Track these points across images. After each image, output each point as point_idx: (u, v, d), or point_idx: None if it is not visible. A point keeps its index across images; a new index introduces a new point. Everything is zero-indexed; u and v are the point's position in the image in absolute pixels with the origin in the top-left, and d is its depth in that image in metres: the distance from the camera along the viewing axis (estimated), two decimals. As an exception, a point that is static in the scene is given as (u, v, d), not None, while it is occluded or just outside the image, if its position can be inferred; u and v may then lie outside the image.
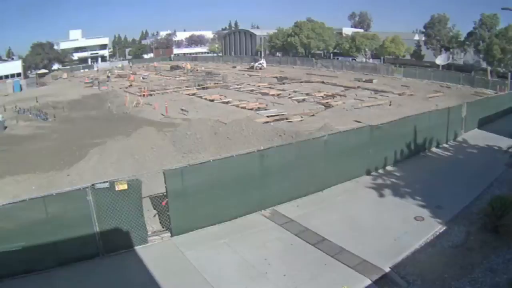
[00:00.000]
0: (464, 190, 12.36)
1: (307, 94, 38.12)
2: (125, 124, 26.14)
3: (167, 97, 37.18)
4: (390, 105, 30.97)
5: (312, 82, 48.99)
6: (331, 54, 75.71)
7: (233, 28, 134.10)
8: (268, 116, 26.87)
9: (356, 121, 25.14)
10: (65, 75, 70.07)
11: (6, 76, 63.89)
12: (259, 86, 44.86)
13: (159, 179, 9.87)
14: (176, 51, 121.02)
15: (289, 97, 35.77)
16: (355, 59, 67.27)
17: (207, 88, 44.79)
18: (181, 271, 8.57)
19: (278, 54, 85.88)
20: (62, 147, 21.13)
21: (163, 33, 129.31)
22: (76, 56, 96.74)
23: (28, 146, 21.86)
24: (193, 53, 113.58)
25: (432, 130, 16.71)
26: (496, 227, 9.61)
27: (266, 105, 32.11)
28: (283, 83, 47.44)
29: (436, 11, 58.61)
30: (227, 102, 34.13)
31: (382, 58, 67.11)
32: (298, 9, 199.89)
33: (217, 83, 48.47)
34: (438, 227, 10.14)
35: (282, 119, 26.21)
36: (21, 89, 53.24)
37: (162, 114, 29.48)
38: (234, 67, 77.21)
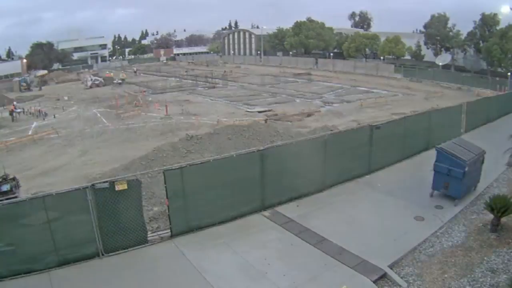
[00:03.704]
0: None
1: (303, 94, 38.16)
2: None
3: (167, 97, 37.19)
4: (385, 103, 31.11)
5: (312, 81, 49.04)
6: (331, 54, 75.70)
7: (233, 28, 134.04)
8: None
9: (354, 120, 25.19)
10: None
11: (6, 76, 63.90)
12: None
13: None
14: (176, 50, 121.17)
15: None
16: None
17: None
18: (181, 271, 8.56)
19: (278, 54, 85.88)
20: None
21: (163, 33, 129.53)
22: (76, 56, 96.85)
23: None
24: (193, 53, 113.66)
25: (432, 129, 16.69)
26: (496, 227, 9.61)
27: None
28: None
29: (436, 11, 58.52)
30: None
31: (382, 58, 67.06)
32: (298, 9, 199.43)
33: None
34: (438, 227, 10.14)
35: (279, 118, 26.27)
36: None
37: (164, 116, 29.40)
38: (238, 66, 77.17)
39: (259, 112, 27.89)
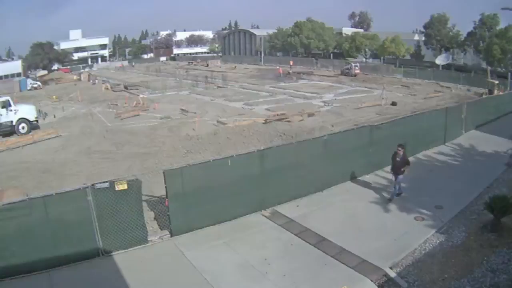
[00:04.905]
0: (464, 190, 12.35)
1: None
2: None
3: (167, 97, 37.18)
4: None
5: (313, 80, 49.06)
6: (331, 54, 75.76)
7: (233, 28, 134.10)
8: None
9: (354, 121, 25.13)
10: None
11: (6, 76, 63.85)
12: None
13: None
14: (176, 51, 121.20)
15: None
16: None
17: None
18: (181, 271, 8.57)
19: (278, 54, 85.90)
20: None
21: (163, 33, 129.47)
22: (76, 56, 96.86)
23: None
24: (193, 53, 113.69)
25: (432, 130, 16.71)
26: (496, 227, 9.61)
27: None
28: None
29: (436, 11, 58.63)
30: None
31: (382, 58, 67.15)
32: (298, 9, 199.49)
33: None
34: (438, 227, 10.14)
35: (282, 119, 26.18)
36: (27, 88, 53.32)
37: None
38: (235, 67, 76.96)
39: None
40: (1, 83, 57.15)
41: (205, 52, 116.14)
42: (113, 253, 9.14)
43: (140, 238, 9.48)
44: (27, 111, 25.51)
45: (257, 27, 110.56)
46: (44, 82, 59.48)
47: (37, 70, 73.52)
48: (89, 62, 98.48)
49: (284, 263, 8.70)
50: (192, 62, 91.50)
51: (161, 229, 10.27)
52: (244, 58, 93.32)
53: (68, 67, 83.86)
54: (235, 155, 10.86)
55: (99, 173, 16.57)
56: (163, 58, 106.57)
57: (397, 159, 11.76)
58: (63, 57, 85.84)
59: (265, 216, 10.97)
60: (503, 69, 44.79)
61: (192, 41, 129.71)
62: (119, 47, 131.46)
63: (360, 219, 10.68)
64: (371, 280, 8.08)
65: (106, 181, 9.08)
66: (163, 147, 16.98)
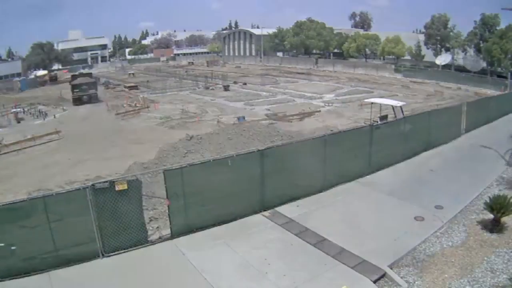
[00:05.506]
0: (464, 190, 12.35)
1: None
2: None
3: (167, 97, 37.23)
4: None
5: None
6: (331, 54, 75.69)
7: (233, 28, 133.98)
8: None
9: (354, 120, 25.15)
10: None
11: (6, 76, 63.91)
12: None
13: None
14: (176, 51, 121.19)
15: None
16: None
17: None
18: (181, 271, 8.57)
19: (278, 54, 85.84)
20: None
21: (163, 33, 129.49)
22: (76, 56, 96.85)
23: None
24: (193, 53, 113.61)
25: (432, 130, 16.70)
26: (496, 227, 9.61)
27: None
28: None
29: (437, 11, 58.55)
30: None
31: (382, 58, 67.10)
32: (298, 9, 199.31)
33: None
34: (438, 227, 10.14)
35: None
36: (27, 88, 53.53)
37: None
38: (238, 66, 76.96)
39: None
40: (1, 83, 57.23)
41: (205, 52, 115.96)
42: (113, 253, 9.13)
43: (140, 238, 9.48)
44: None
45: (257, 27, 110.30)
46: (44, 82, 59.54)
47: (37, 69, 73.46)
48: (89, 62, 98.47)
49: (284, 263, 8.69)
50: (192, 63, 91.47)
51: (161, 229, 10.27)
52: (244, 58, 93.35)
53: (68, 67, 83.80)
54: (235, 155, 10.86)
55: (99, 173, 16.60)
56: (163, 58, 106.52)
57: None
58: (63, 58, 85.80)
59: (265, 216, 10.97)
60: (503, 69, 44.72)
61: (192, 41, 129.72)
62: (119, 47, 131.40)
63: (360, 219, 10.68)
64: (371, 280, 8.07)
65: (106, 181, 9.08)
66: (163, 147, 16.96)
